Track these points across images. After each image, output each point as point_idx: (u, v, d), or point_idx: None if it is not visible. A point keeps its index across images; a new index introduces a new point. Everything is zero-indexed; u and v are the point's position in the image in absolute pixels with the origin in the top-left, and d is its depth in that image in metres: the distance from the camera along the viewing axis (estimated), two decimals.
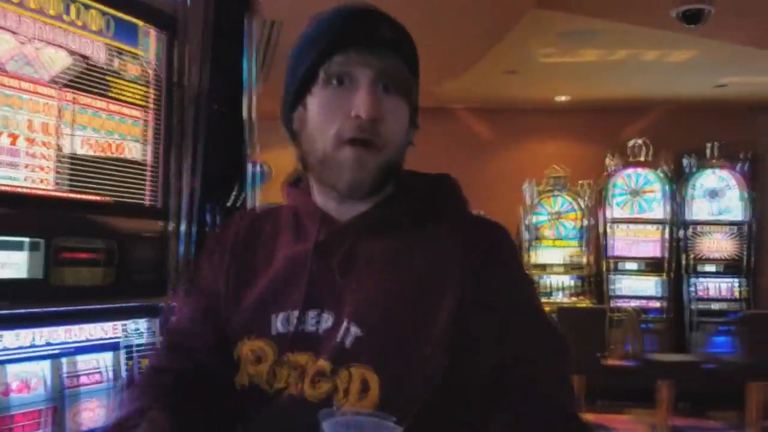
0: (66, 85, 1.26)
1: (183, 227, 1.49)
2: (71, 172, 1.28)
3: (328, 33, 0.85)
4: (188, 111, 1.50)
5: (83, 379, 1.26)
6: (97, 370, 1.28)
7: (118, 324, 1.34)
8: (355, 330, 0.83)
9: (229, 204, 1.81)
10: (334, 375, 0.82)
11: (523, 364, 0.83)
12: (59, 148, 1.25)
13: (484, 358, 0.82)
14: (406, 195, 0.90)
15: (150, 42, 1.43)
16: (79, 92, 1.28)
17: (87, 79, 1.30)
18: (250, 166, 1.90)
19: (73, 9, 1.27)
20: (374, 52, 0.84)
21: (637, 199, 6.50)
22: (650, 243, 6.46)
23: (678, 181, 6.50)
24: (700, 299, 6.32)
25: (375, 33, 0.85)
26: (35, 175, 1.22)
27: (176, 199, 1.48)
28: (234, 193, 1.87)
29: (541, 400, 0.81)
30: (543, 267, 6.45)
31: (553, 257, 6.48)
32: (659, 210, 6.47)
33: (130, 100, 1.38)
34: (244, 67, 1.64)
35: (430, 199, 0.91)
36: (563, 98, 6.65)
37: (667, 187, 6.45)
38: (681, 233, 6.44)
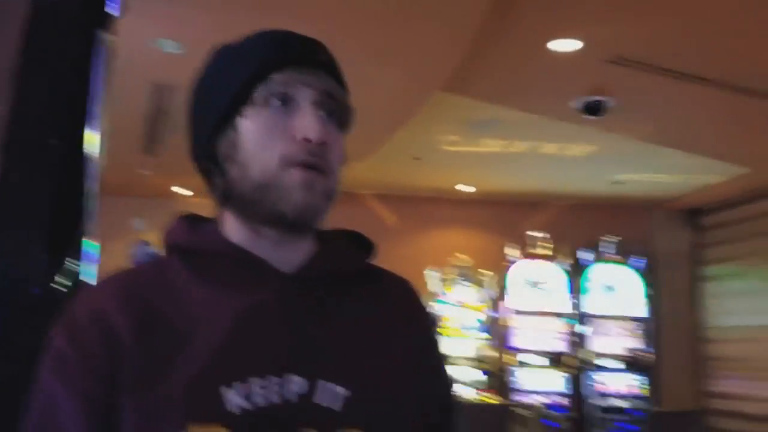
0: None
1: None
2: None
3: (264, 52, 0.80)
4: None
5: None
6: None
7: None
8: (342, 390, 0.75)
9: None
10: None
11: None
12: None
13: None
14: (334, 244, 0.86)
15: None
16: None
17: None
18: (89, 240, 1.57)
19: None
20: (314, 73, 0.80)
21: (538, 291, 6.48)
22: (551, 336, 6.39)
23: (576, 274, 6.56)
24: (603, 395, 6.24)
25: (314, 54, 0.82)
26: None
27: None
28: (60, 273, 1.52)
29: None
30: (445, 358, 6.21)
31: (456, 348, 6.24)
32: (560, 303, 6.47)
33: None
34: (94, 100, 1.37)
35: (364, 250, 0.89)
36: (465, 188, 6.67)
37: (566, 281, 6.48)
38: (580, 327, 6.43)
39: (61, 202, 1.53)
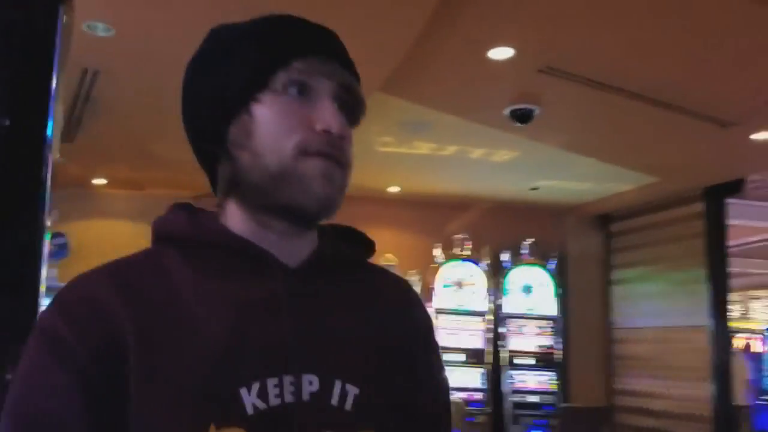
0: None
1: None
2: None
3: (285, 37, 0.77)
4: None
5: None
6: None
7: None
8: (351, 389, 0.73)
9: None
10: None
11: None
12: None
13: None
14: (336, 239, 0.84)
15: None
16: None
17: None
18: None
19: None
20: (332, 64, 0.77)
21: (461, 291, 6.65)
22: (473, 334, 6.57)
23: (496, 275, 6.78)
24: (517, 392, 6.47)
25: (332, 45, 0.79)
26: None
27: None
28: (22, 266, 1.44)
29: None
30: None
31: None
32: (480, 302, 6.66)
33: None
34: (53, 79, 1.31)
35: (363, 245, 0.87)
36: (395, 189, 6.75)
37: (486, 281, 6.69)
38: (499, 326, 6.65)
39: (11, 188, 1.45)
